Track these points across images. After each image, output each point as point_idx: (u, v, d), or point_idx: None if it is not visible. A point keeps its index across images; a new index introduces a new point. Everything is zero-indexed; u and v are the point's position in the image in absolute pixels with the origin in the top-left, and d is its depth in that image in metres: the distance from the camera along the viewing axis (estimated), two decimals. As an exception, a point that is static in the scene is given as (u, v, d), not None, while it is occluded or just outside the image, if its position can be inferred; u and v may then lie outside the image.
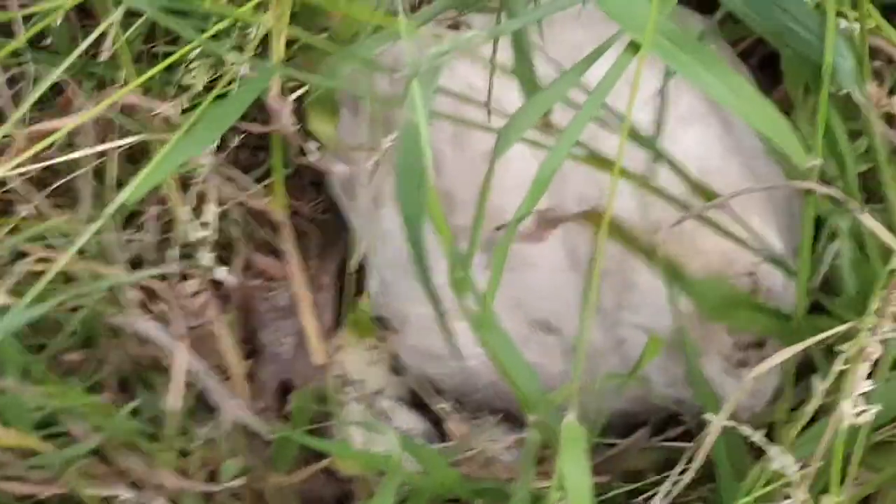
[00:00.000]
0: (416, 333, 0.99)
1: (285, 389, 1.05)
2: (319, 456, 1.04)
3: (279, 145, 0.88)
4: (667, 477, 0.77)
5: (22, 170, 0.91)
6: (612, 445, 1.01)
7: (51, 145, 0.92)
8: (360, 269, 0.93)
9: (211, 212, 0.91)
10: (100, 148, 0.94)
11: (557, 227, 0.77)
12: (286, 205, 0.95)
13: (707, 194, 0.84)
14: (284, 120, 0.85)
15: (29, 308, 0.77)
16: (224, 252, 1.09)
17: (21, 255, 0.91)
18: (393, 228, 0.97)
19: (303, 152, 0.87)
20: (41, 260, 0.88)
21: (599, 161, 0.82)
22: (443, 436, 1.06)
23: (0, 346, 0.86)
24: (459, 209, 0.77)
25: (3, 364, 0.86)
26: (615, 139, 0.86)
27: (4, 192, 1.00)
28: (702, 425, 0.97)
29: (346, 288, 1.11)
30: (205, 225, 0.92)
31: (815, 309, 0.91)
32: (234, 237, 1.04)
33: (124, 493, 0.86)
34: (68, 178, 0.99)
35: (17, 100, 1.02)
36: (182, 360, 0.93)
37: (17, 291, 0.89)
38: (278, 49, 0.86)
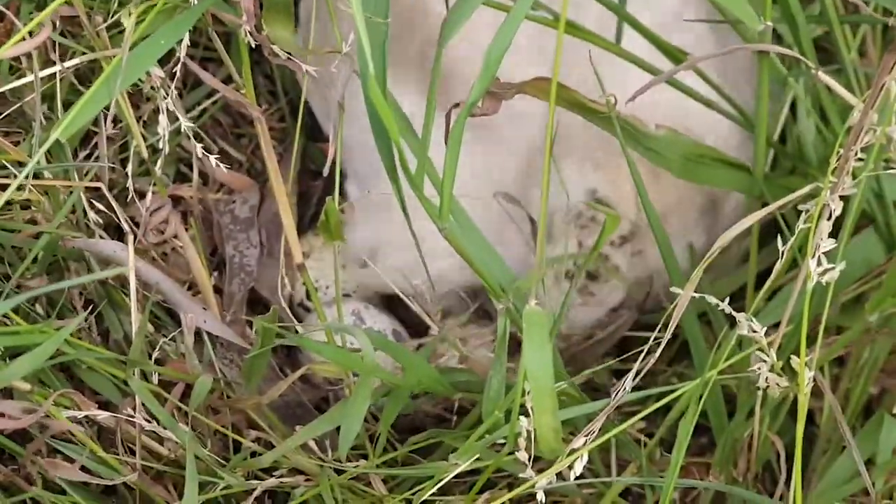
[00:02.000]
0: (401, 224, 0.98)
1: (253, 300, 1.04)
2: (293, 363, 1.04)
3: (245, 45, 0.86)
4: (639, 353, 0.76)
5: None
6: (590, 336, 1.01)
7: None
8: (324, 177, 0.91)
9: (164, 127, 0.89)
10: (46, 72, 0.92)
11: (511, 97, 0.75)
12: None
13: (675, 57, 0.83)
14: (250, 16, 0.83)
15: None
16: (182, 167, 1.08)
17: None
18: None
19: (259, 56, 0.85)
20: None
21: (553, 23, 0.80)
22: (414, 336, 1.06)
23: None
24: (461, 86, 0.76)
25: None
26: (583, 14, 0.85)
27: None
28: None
29: (308, 195, 1.10)
30: (160, 140, 0.90)
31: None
32: (190, 151, 1.03)
33: (100, 414, 0.85)
34: (18, 104, 0.98)
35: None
36: (145, 276, 0.92)
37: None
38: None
